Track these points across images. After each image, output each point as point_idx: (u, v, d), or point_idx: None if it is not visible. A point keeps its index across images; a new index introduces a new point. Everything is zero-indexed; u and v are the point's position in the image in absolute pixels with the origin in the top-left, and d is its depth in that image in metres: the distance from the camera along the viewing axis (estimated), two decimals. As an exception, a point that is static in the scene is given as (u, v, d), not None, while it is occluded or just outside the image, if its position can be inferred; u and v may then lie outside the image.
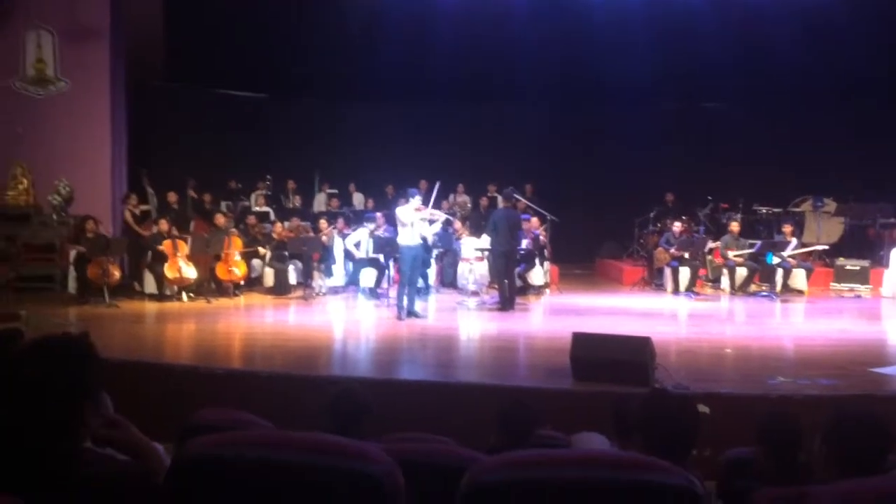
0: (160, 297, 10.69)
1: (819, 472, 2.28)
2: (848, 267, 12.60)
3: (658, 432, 2.29)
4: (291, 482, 1.47)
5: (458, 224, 12.75)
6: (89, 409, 1.60)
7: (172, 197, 12.35)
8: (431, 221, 9.89)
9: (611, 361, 6.27)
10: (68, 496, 1.49)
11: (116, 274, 10.55)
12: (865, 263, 12.60)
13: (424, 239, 10.10)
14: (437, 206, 10.38)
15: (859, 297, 12.01)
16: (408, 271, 9.55)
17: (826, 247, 13.09)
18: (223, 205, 13.63)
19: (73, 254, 10.73)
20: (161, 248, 10.72)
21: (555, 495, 1.43)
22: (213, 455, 1.53)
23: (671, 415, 2.35)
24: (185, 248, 10.76)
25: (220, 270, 11.08)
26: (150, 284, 10.84)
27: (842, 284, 12.45)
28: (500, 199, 14.04)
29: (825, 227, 13.63)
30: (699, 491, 1.42)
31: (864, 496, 1.33)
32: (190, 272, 10.68)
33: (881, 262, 12.61)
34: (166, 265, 10.60)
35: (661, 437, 2.25)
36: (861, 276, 12.42)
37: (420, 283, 10.88)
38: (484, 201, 14.60)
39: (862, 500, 1.32)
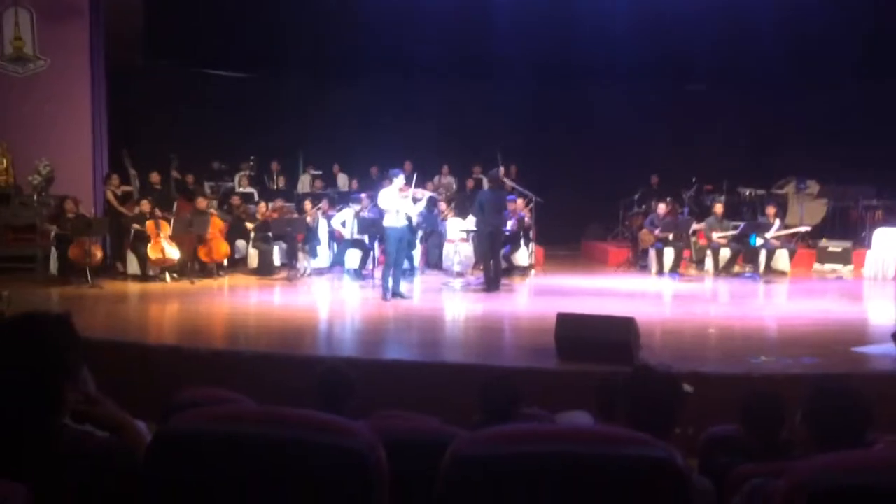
0: (143, 277, 10.63)
1: (799, 448, 2.30)
2: (830, 248, 12.71)
3: (641, 407, 2.30)
4: (273, 457, 1.46)
5: (443, 205, 12.73)
6: (68, 387, 1.58)
7: (155, 177, 12.23)
8: (416, 200, 9.88)
9: (595, 341, 6.30)
10: (46, 472, 1.47)
11: (98, 254, 10.47)
12: (847, 244, 12.71)
13: (409, 220, 10.08)
14: (418, 187, 10.34)
15: (841, 277, 12.13)
16: (393, 252, 9.53)
17: (808, 228, 13.19)
18: (206, 186, 13.53)
19: (53, 234, 10.61)
20: (143, 228, 10.64)
21: (535, 469, 1.43)
22: (193, 430, 1.52)
23: (655, 390, 2.36)
24: (167, 229, 10.68)
25: (200, 252, 11.01)
26: (132, 265, 10.77)
27: (824, 265, 12.57)
28: (485, 180, 14.01)
29: (808, 209, 13.71)
30: (680, 463, 1.43)
31: (843, 468, 1.34)
32: (173, 253, 10.61)
33: (863, 243, 12.73)
34: (149, 246, 10.53)
35: (645, 412, 2.27)
36: (843, 257, 12.53)
37: (405, 264, 10.86)
38: (470, 183, 14.56)
39: (840, 473, 1.33)
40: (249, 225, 11.62)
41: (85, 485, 1.49)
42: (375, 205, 11.41)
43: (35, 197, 11.45)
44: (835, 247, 12.70)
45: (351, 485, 1.44)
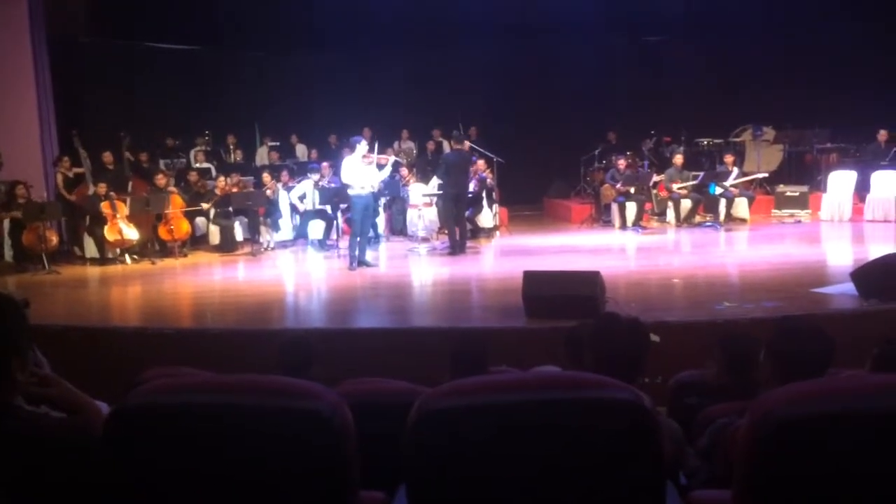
0: (102, 260, 10.42)
1: (764, 386, 2.33)
2: (788, 193, 12.92)
3: (607, 354, 2.31)
4: (233, 424, 1.43)
5: (404, 171, 12.63)
6: (16, 365, 1.53)
7: (108, 157, 11.90)
8: (381, 166, 9.79)
9: (562, 297, 6.33)
10: (-1, 454, 1.43)
11: (54, 239, 10.23)
12: (804, 189, 12.93)
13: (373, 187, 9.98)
14: (381, 153, 10.24)
15: (799, 222, 12.34)
16: (359, 221, 9.44)
17: (766, 175, 13.37)
18: (161, 163, 13.23)
19: (6, 221, 10.32)
20: (99, 210, 10.39)
21: (501, 417, 1.42)
22: (149, 403, 1.48)
23: (620, 337, 2.37)
24: (124, 210, 10.45)
25: (161, 231, 10.82)
26: (90, 248, 10.54)
27: (782, 211, 12.78)
28: (445, 143, 13.93)
29: (765, 156, 13.89)
30: (646, 404, 1.43)
31: (802, 398, 1.35)
32: (131, 234, 10.41)
33: (819, 186, 12.94)
34: (106, 228, 10.30)
35: (611, 359, 2.27)
36: (800, 202, 12.75)
37: (370, 232, 10.79)
38: (430, 146, 14.44)
39: (800, 402, 1.34)
40: (205, 206, 11.38)
41: (39, 465, 1.45)
42: (336, 175, 11.30)
43: (-16, 184, 11.10)
44: (792, 192, 12.92)
45: (316, 448, 1.41)
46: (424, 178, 12.25)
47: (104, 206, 10.35)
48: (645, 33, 15.76)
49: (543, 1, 14.55)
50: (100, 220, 10.38)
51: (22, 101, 11.55)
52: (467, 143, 11.63)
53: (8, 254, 10.41)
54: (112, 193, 10.58)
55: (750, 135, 14.09)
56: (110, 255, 10.46)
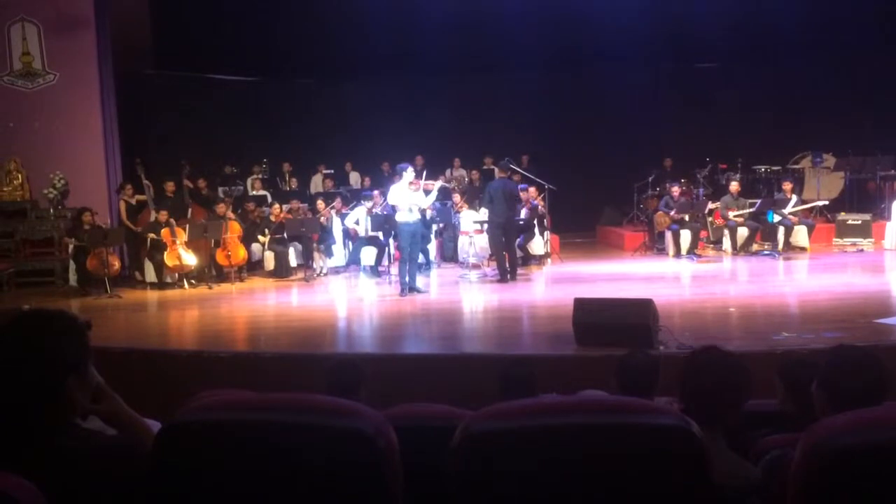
0: (161, 285, 10.69)
1: (820, 414, 2.26)
2: (849, 221, 12.55)
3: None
4: (280, 441, 1.45)
5: (456, 197, 12.69)
6: (74, 383, 1.58)
7: (169, 185, 12.28)
8: (427, 192, 9.87)
9: (614, 325, 6.26)
10: (54, 469, 1.47)
11: (116, 264, 10.55)
12: (867, 217, 12.53)
13: (423, 214, 10.05)
14: (428, 180, 10.34)
15: (862, 250, 11.96)
16: (407, 247, 9.51)
17: (826, 202, 13.04)
18: (220, 190, 13.57)
19: (71, 246, 10.70)
20: (159, 236, 10.69)
21: (545, 440, 1.40)
22: (197, 421, 1.51)
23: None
24: (183, 236, 10.73)
25: (219, 256, 11.06)
26: (150, 273, 10.83)
27: (844, 239, 12.40)
28: (496, 170, 13.96)
29: (825, 183, 13.56)
30: (695, 430, 1.40)
31: (856, 427, 1.30)
32: (190, 259, 10.67)
33: (882, 214, 12.56)
34: (166, 253, 10.58)
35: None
36: (863, 230, 12.36)
37: (421, 258, 10.85)
38: (474, 174, 14.49)
39: (854, 432, 1.29)
40: (262, 238, 11.53)
41: (93, 482, 1.49)
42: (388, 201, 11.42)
43: (51, 210, 11.57)
44: (854, 220, 12.54)
45: (360, 467, 1.42)
46: (476, 206, 12.29)
47: (164, 233, 10.64)
48: (698, 60, 15.62)
49: (594, 28, 14.54)
50: (160, 246, 10.67)
51: (89, 131, 12.04)
52: (518, 172, 11.65)
53: (72, 278, 10.78)
54: (172, 220, 10.88)
55: (809, 162, 13.79)
56: (169, 280, 10.73)
